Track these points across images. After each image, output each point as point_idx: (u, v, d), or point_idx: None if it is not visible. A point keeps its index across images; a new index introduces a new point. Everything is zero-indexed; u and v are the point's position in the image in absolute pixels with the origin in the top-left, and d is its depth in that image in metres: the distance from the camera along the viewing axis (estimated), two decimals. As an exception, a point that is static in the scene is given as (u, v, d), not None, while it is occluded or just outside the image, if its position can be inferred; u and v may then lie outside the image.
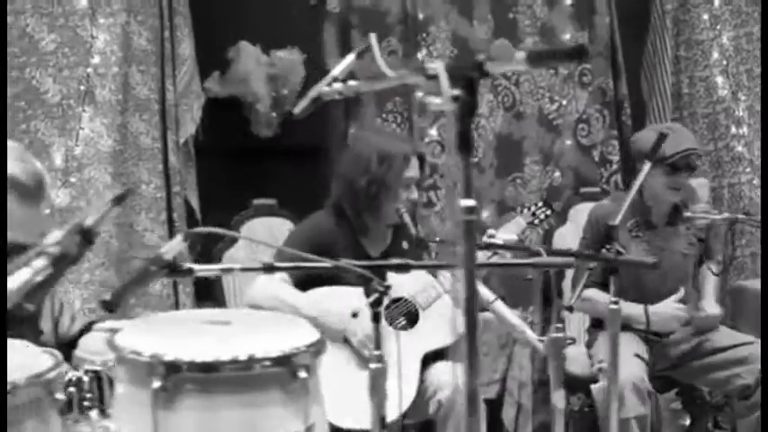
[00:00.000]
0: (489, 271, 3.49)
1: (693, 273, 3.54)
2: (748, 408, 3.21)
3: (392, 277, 2.76)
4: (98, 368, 1.81)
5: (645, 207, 3.39)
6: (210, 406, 1.53)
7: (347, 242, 3.02)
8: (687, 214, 3.34)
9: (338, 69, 1.79)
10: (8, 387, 1.38)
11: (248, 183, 4.27)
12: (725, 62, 4.52)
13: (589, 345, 3.52)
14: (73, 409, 1.71)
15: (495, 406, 3.81)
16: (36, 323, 2.19)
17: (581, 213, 3.87)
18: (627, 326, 3.21)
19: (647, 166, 2.69)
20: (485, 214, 4.25)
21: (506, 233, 3.19)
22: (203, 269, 1.74)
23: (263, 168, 4.49)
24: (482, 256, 3.14)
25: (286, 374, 1.58)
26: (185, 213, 3.71)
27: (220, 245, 3.67)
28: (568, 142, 4.38)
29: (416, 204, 3.21)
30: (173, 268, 1.70)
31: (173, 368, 1.56)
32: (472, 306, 1.32)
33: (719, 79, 4.53)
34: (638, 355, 3.19)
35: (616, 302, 2.55)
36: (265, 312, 1.97)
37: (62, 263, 1.23)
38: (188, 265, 1.72)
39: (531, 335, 2.98)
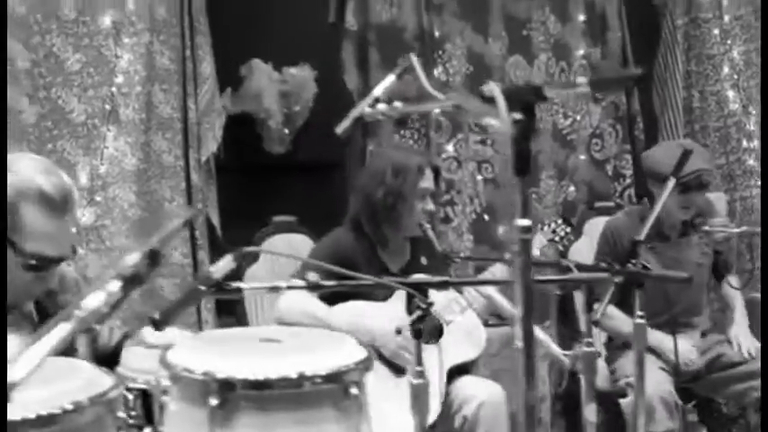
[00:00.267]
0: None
1: (708, 283, 3.58)
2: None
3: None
4: (142, 386, 1.84)
5: (657, 220, 3.42)
6: (266, 423, 1.55)
7: (367, 257, 3.06)
8: (705, 228, 3.38)
9: (379, 90, 1.83)
10: (73, 407, 1.41)
11: (263, 199, 4.31)
12: (735, 76, 4.57)
13: (609, 359, 3.55)
14: (123, 427, 1.73)
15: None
16: (71, 342, 2.21)
17: (595, 227, 3.91)
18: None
19: (671, 183, 2.73)
20: (500, 229, 4.28)
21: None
22: (251, 288, 1.78)
23: (276, 184, 4.52)
24: (504, 271, 3.19)
25: (338, 391, 1.61)
26: (207, 231, 3.74)
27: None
28: (582, 157, 4.42)
29: (433, 217, 3.25)
30: (221, 287, 1.73)
31: (227, 386, 1.58)
32: (529, 322, 1.35)
33: (730, 93, 4.57)
34: (663, 369, 3.22)
35: (642, 317, 2.58)
36: (315, 330, 2.00)
37: (132, 285, 1.26)
38: (236, 284, 1.75)
39: (557, 349, 3.02)
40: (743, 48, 4.56)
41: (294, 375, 1.61)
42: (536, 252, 3.28)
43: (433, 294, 2.95)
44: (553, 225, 3.35)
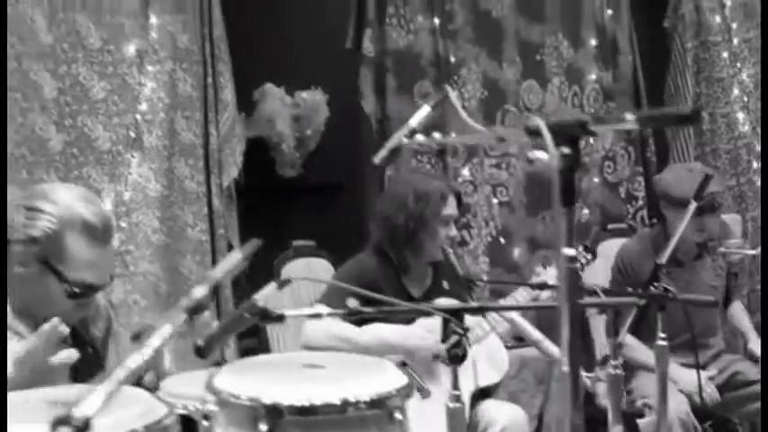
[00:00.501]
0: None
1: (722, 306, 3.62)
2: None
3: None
4: (182, 411, 1.88)
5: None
6: (313, 448, 1.59)
7: (390, 282, 3.09)
8: (721, 249, 3.43)
9: (415, 120, 1.87)
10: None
11: (277, 222, 4.36)
12: (745, 98, 4.64)
13: (626, 380, 3.58)
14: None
15: (532, 441, 3.86)
16: (105, 367, 2.24)
17: (609, 249, 3.95)
18: None
19: (692, 207, 2.78)
20: (516, 252, 4.33)
21: (552, 276, 3.28)
22: (293, 314, 1.82)
23: (290, 207, 4.57)
24: (527, 296, 3.23)
25: (383, 416, 1.65)
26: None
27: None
28: (595, 179, 4.47)
29: (453, 242, 3.28)
30: (265, 315, 1.77)
31: (275, 412, 1.62)
32: (576, 347, 1.38)
33: (740, 115, 4.64)
34: (681, 390, 3.25)
35: (665, 338, 2.62)
36: (358, 356, 2.04)
37: (196, 317, 1.30)
38: (279, 311, 1.79)
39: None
40: (752, 70, 4.63)
41: (338, 401, 1.65)
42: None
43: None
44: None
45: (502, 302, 3.11)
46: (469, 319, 3.10)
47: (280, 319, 1.80)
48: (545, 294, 3.27)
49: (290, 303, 3.33)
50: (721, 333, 3.75)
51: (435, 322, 2.98)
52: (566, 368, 1.40)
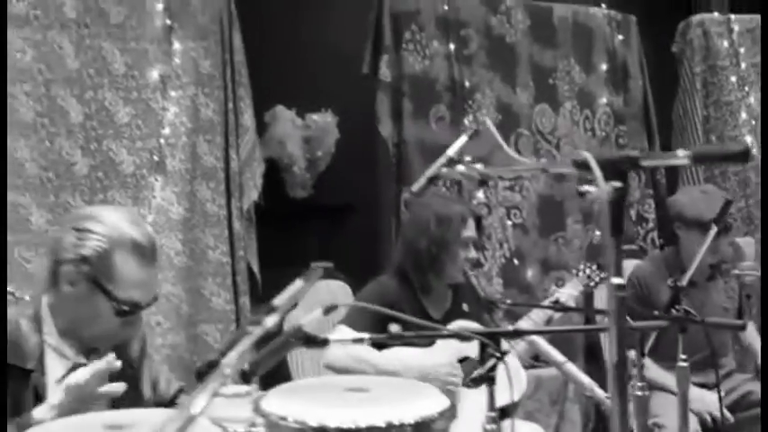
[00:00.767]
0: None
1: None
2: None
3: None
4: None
5: (683, 266, 3.52)
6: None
7: (411, 304, 3.13)
8: (735, 272, 3.48)
9: (452, 150, 1.92)
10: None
11: (287, 243, 4.40)
12: (753, 122, 4.71)
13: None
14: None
15: (548, 461, 3.90)
16: (139, 388, 2.28)
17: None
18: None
19: (713, 230, 2.83)
20: (529, 273, 4.38)
21: (566, 295, 3.33)
22: (337, 339, 1.86)
23: (302, 228, 4.62)
24: (543, 316, 3.28)
25: (428, 439, 1.69)
26: (248, 278, 3.83)
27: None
28: (607, 201, 4.53)
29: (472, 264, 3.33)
30: (309, 339, 1.82)
31: (320, 434, 1.66)
32: (622, 372, 1.43)
33: (748, 138, 4.71)
34: (691, 410, 3.30)
35: (686, 359, 2.67)
36: (401, 379, 2.09)
37: (265, 343, 1.35)
38: (323, 335, 1.83)
39: (601, 393, 3.10)
40: (760, 94, 4.71)
41: (383, 424, 1.69)
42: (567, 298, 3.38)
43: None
44: (588, 271, 3.45)
45: (524, 324, 3.15)
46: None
47: (324, 343, 1.85)
48: (557, 315, 3.33)
49: (310, 325, 3.37)
50: (732, 353, 3.81)
51: (456, 345, 3.03)
52: (611, 389, 1.45)
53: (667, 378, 3.30)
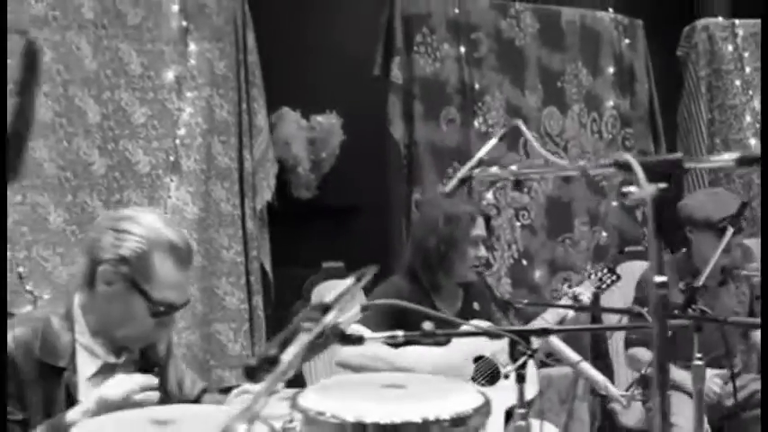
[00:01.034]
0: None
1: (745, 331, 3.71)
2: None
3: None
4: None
5: (695, 269, 3.56)
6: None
7: (422, 303, 3.15)
8: (743, 273, 3.52)
9: (483, 151, 1.95)
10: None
11: (293, 242, 4.43)
12: (757, 125, 4.76)
13: (645, 398, 3.66)
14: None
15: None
16: (166, 388, 2.30)
17: (626, 271, 4.04)
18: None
19: (729, 232, 2.87)
20: (537, 273, 4.42)
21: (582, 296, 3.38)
22: (371, 337, 1.89)
23: (306, 228, 4.65)
24: (556, 316, 3.31)
25: (466, 434, 1.72)
26: (261, 277, 3.86)
27: (294, 306, 3.82)
28: (614, 203, 4.58)
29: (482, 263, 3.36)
30: (345, 337, 1.85)
31: (358, 429, 1.69)
32: (665, 368, 1.46)
33: (752, 141, 4.76)
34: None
35: (701, 358, 2.71)
36: (437, 377, 2.12)
37: (321, 340, 1.39)
38: (358, 333, 1.86)
39: (615, 391, 3.14)
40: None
41: (419, 420, 1.72)
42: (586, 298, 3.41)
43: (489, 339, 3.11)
44: (599, 273, 3.48)
45: (539, 324, 3.18)
46: (503, 340, 3.18)
47: (359, 341, 1.88)
48: (571, 314, 3.37)
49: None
50: (739, 354, 3.85)
51: (470, 344, 3.07)
52: (655, 385, 1.48)
53: (683, 376, 3.35)
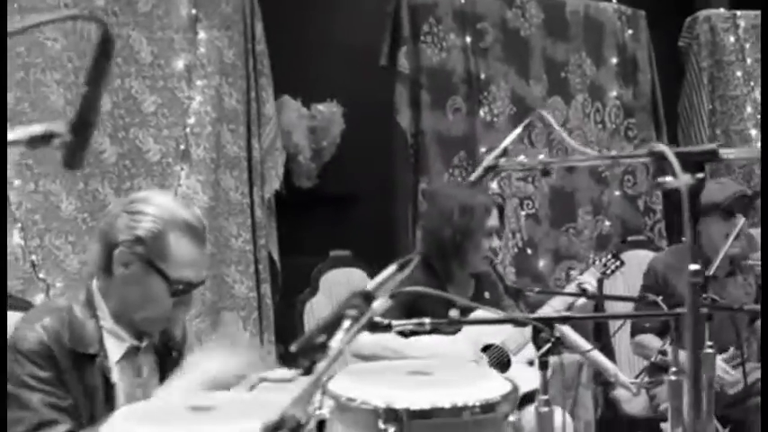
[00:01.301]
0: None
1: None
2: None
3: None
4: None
5: (704, 258, 3.59)
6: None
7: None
8: (749, 262, 3.56)
9: (508, 140, 1.97)
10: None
11: (294, 231, 4.44)
12: (758, 116, 4.80)
13: (649, 386, 3.70)
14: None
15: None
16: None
17: (628, 260, 4.08)
18: None
19: (741, 221, 2.91)
20: (541, 262, 4.46)
21: (587, 283, 3.41)
22: (399, 324, 1.92)
23: (307, 217, 4.66)
24: (563, 304, 3.34)
25: (498, 420, 1.75)
26: (269, 266, 3.87)
27: (302, 295, 3.84)
28: (616, 192, 4.62)
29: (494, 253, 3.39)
30: (374, 325, 1.87)
31: (390, 414, 1.71)
32: (697, 354, 1.49)
33: (753, 132, 4.80)
34: (704, 395, 3.39)
35: (712, 347, 2.74)
36: (464, 363, 2.15)
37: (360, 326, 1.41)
38: (387, 320, 1.88)
39: (624, 379, 3.18)
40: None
41: (450, 405, 1.75)
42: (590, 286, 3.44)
43: (499, 327, 3.14)
44: (604, 260, 3.51)
45: (547, 312, 3.21)
46: (512, 328, 3.21)
47: (388, 328, 1.90)
48: (580, 301, 3.40)
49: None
50: (745, 343, 3.89)
51: (480, 333, 3.09)
52: (688, 371, 1.51)
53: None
